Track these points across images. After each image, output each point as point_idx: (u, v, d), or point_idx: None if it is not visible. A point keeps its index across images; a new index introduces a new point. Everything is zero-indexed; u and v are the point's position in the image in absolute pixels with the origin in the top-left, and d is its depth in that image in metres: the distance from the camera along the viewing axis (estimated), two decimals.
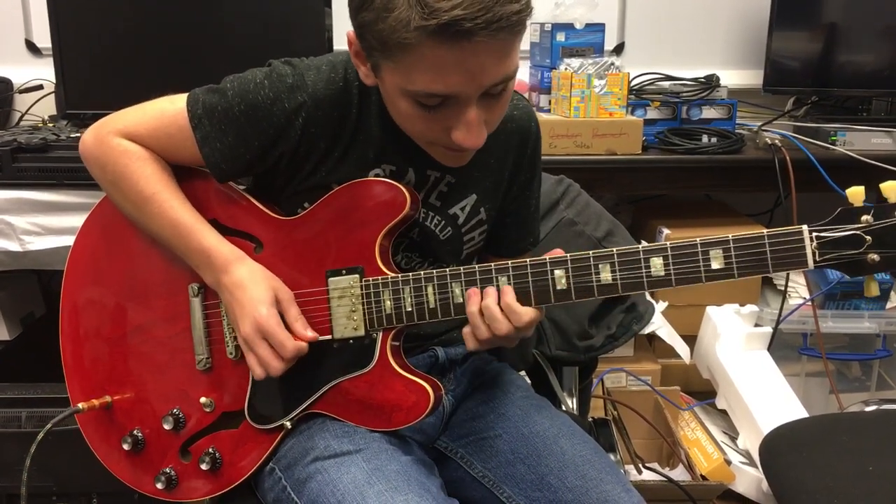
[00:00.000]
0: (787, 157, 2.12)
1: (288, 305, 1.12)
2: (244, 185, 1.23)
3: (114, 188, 1.19)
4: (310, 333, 1.12)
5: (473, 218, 1.23)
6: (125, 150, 1.16)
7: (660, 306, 2.20)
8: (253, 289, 1.11)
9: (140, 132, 1.16)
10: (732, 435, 2.27)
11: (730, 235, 0.98)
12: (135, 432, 1.22)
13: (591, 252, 1.03)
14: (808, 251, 0.96)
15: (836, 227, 0.96)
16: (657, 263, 1.01)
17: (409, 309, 1.10)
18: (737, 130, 2.31)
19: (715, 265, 0.99)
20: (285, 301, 1.12)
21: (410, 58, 0.93)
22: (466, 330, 1.09)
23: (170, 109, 1.15)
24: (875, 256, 0.95)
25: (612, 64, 2.18)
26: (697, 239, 0.99)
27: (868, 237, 0.95)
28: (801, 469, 1.37)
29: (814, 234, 0.96)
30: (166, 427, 1.19)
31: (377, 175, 1.15)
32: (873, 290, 1.00)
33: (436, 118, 1.01)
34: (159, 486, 1.20)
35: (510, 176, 1.26)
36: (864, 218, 0.95)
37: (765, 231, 0.97)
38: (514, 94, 1.19)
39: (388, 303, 1.11)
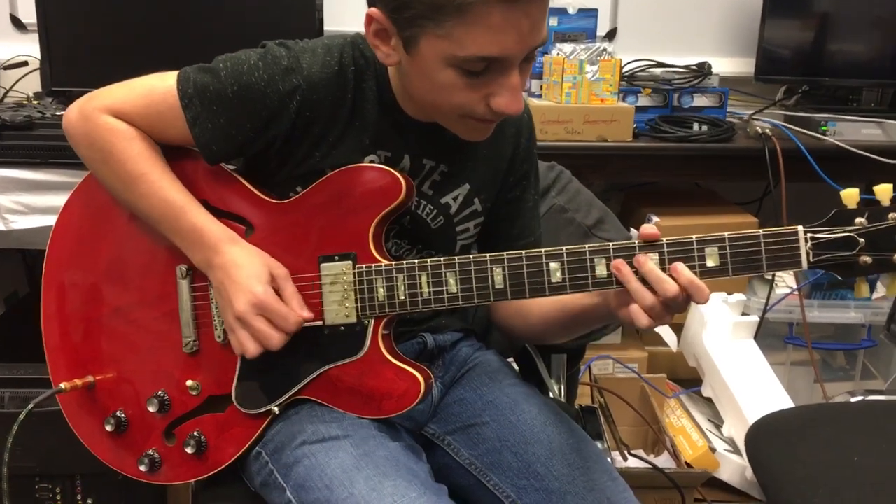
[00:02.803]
0: (777, 147, 2.12)
1: (284, 282, 1.10)
2: (234, 167, 1.21)
3: (101, 167, 1.16)
4: (306, 313, 1.10)
5: (467, 208, 1.22)
6: (112, 127, 1.13)
7: None
8: (248, 267, 1.09)
9: (127, 110, 1.13)
10: (717, 423, 2.28)
11: (725, 234, 0.98)
12: (118, 413, 1.21)
13: (587, 246, 1.02)
14: (803, 252, 0.96)
15: (830, 228, 0.96)
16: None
17: (402, 297, 1.09)
18: (727, 119, 2.30)
19: (710, 263, 0.98)
20: (281, 277, 1.11)
21: (468, 19, 0.93)
22: (634, 307, 0.99)
23: (159, 87, 1.13)
24: (867, 259, 0.95)
25: (605, 50, 2.17)
26: (693, 236, 0.99)
27: (861, 239, 0.95)
28: (786, 459, 1.38)
29: (808, 234, 0.96)
30: (151, 409, 1.18)
31: (372, 161, 1.14)
32: (864, 291, 1.01)
33: (478, 85, 1.00)
34: (142, 468, 1.19)
35: (508, 166, 1.25)
36: (858, 220, 0.95)
37: (760, 231, 0.97)
38: None
39: (380, 290, 1.10)
